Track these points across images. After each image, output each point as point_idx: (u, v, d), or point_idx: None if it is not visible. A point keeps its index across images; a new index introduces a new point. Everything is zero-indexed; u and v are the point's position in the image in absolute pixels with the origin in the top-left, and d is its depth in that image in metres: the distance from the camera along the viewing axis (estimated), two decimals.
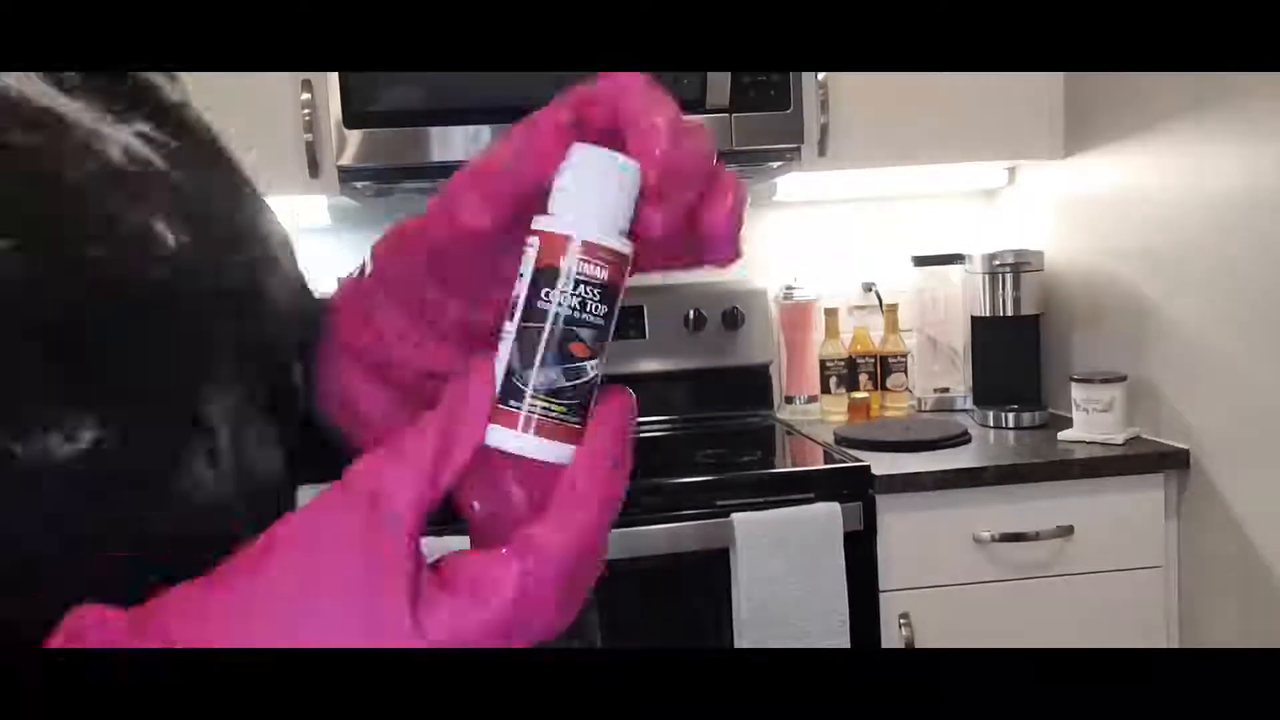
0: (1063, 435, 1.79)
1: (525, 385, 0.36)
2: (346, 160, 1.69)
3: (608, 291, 0.37)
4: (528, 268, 0.37)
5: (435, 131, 1.71)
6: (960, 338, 2.10)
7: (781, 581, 1.53)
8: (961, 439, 1.82)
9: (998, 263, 1.96)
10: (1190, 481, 1.67)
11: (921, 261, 2.12)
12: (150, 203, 0.45)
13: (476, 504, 0.40)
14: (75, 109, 0.49)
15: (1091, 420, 1.75)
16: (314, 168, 1.71)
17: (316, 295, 0.55)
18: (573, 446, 0.37)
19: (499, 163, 0.41)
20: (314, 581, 0.35)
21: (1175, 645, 1.71)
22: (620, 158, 0.37)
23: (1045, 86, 1.91)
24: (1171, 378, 1.70)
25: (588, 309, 0.37)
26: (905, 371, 2.13)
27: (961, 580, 1.65)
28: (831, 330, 2.13)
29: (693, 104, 1.75)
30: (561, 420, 0.37)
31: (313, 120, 1.70)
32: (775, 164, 1.91)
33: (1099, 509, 1.66)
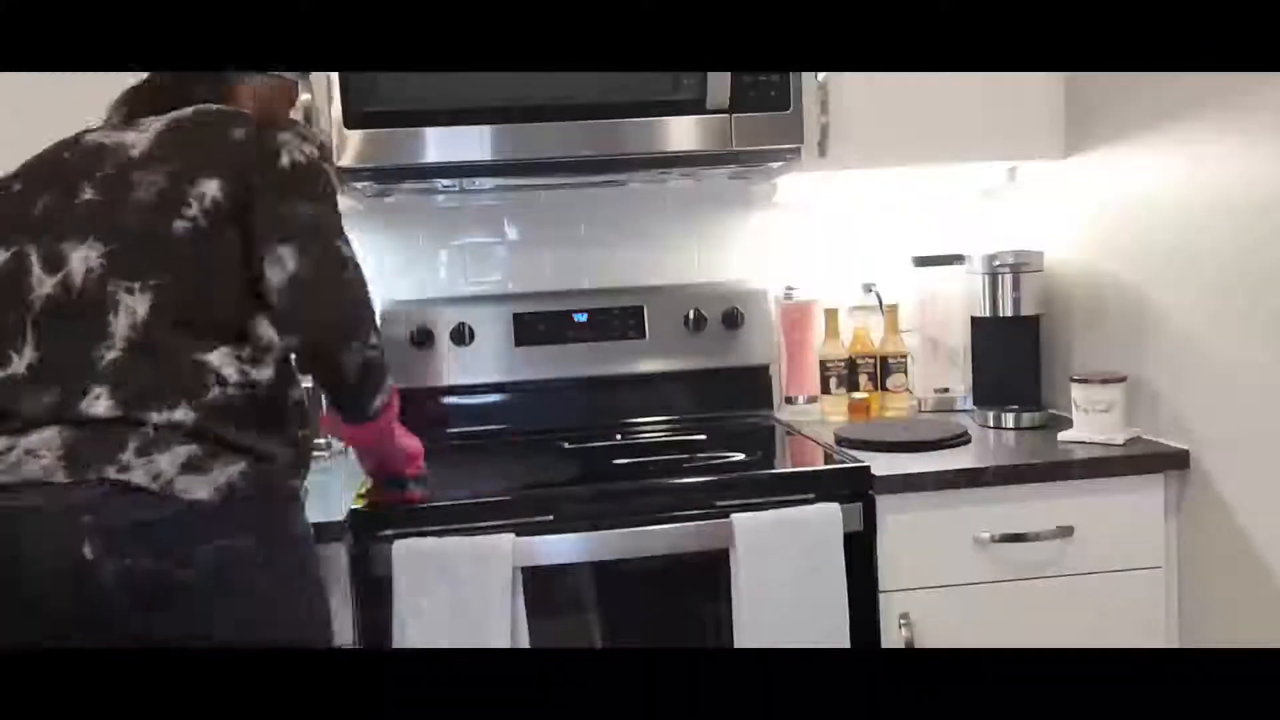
0: (1063, 436, 1.79)
1: None
2: (347, 161, 1.69)
3: None
4: None
5: (435, 132, 1.71)
6: (960, 338, 2.10)
7: (781, 582, 1.53)
8: (961, 439, 1.82)
9: (998, 263, 1.96)
10: (1190, 481, 1.67)
11: (921, 262, 2.13)
12: None
13: None
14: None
15: (1091, 420, 1.75)
16: None
17: None
18: None
19: None
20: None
21: (1175, 645, 1.71)
22: None
23: (1045, 86, 1.91)
24: (1171, 378, 1.70)
25: None
26: (905, 372, 2.13)
27: (961, 580, 1.65)
28: (831, 331, 2.13)
29: (693, 104, 1.75)
30: None
31: (312, 120, 1.70)
32: (775, 164, 1.91)
33: (1099, 509, 1.66)
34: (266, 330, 1.24)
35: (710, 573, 1.58)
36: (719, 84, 1.73)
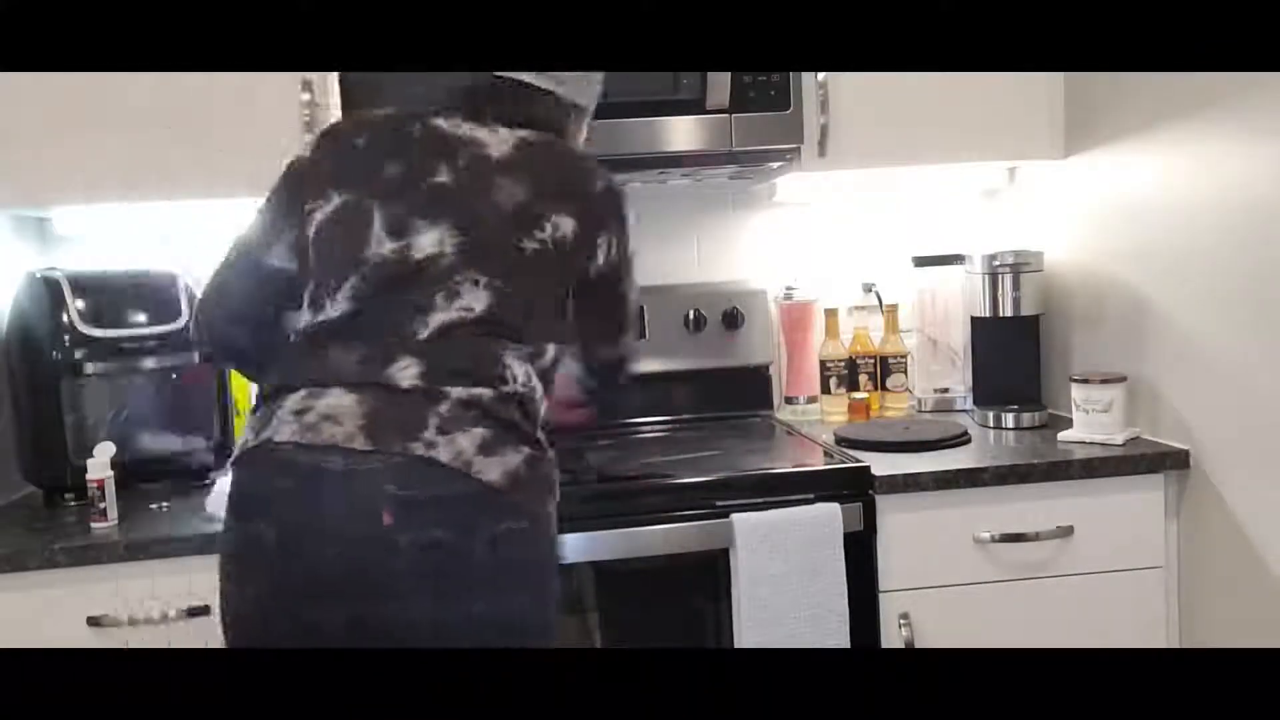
0: (1062, 435, 1.79)
1: None
2: None
3: None
4: None
5: None
6: (960, 338, 2.10)
7: (781, 582, 1.53)
8: (961, 439, 1.82)
9: (998, 263, 1.96)
10: (1190, 481, 1.67)
11: (921, 262, 2.13)
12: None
13: None
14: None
15: (1091, 420, 1.75)
16: None
17: None
18: None
19: None
20: None
21: (1175, 645, 1.71)
22: None
23: (1045, 86, 1.91)
24: (1171, 378, 1.70)
25: None
26: (905, 372, 2.13)
27: (961, 580, 1.65)
28: (831, 330, 2.13)
29: (693, 104, 1.75)
30: None
31: (312, 120, 1.71)
32: (775, 164, 1.91)
33: (1099, 509, 1.66)
34: (550, 350, 1.30)
35: (710, 573, 1.58)
36: (719, 84, 1.73)
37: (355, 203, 1.27)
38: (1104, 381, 1.75)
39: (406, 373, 1.19)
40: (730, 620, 1.56)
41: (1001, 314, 1.98)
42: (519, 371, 1.25)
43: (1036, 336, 2.01)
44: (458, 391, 1.19)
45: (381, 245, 1.25)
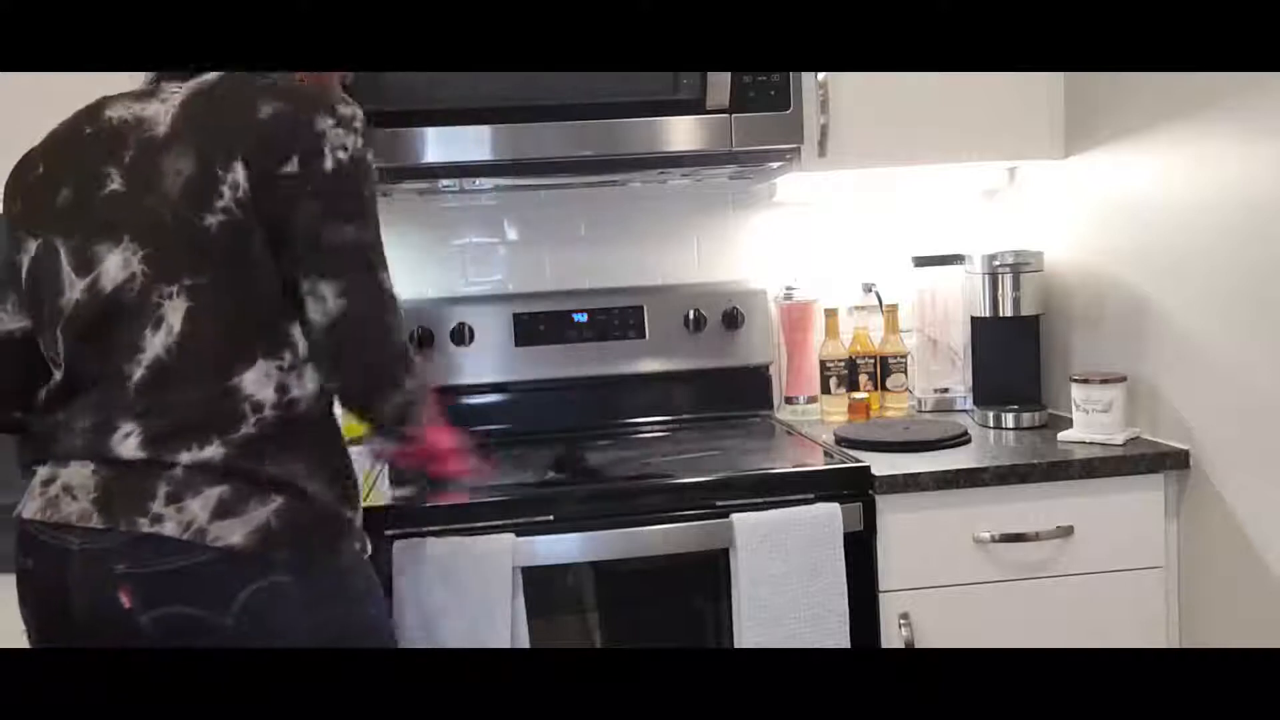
0: (1062, 435, 1.79)
1: None
2: None
3: None
4: None
5: (435, 132, 1.71)
6: (960, 338, 2.10)
7: (781, 582, 1.53)
8: (961, 439, 1.82)
9: (998, 263, 1.96)
10: (1190, 481, 1.67)
11: (921, 262, 2.13)
12: None
13: None
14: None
15: (1091, 420, 1.75)
16: None
17: None
18: None
19: None
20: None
21: (1175, 645, 1.71)
22: None
23: (1045, 86, 1.91)
24: (1171, 378, 1.70)
25: None
26: (905, 372, 2.13)
27: (961, 580, 1.65)
28: (831, 331, 2.13)
29: (693, 104, 1.75)
30: None
31: None
32: (775, 164, 1.91)
33: (1099, 509, 1.66)
34: (294, 335, 1.14)
35: (710, 573, 1.58)
36: (719, 84, 1.73)
37: (45, 245, 1.14)
38: (1104, 381, 1.75)
39: (128, 443, 1.08)
40: (730, 620, 1.56)
41: (1001, 314, 1.98)
42: (266, 394, 1.10)
43: (1036, 336, 2.01)
44: (185, 457, 1.07)
45: (74, 288, 1.11)
